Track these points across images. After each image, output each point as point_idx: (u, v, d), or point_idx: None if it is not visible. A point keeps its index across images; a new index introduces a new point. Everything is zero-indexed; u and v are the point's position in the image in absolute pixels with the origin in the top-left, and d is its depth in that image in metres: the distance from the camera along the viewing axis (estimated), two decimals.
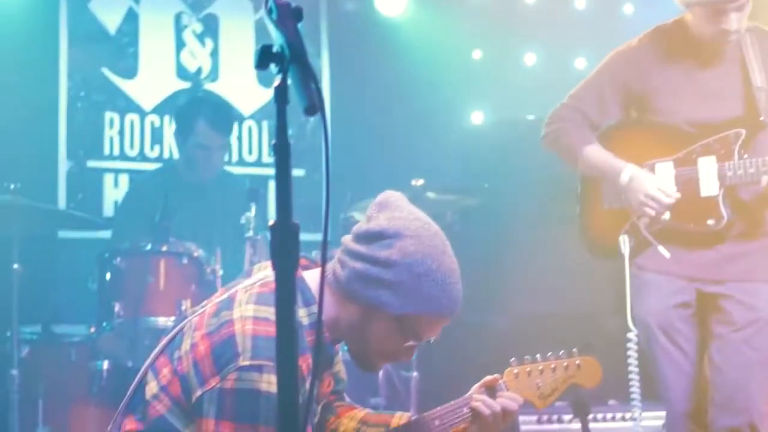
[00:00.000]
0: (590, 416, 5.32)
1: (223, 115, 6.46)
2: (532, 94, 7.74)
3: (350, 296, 3.03)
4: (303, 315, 3.02)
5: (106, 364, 5.73)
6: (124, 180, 7.45)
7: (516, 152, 6.89)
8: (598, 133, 4.84)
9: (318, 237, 7.16)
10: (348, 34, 8.00)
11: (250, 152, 7.79)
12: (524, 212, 6.82)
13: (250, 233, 5.39)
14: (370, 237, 3.02)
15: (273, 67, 2.21)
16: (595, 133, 4.83)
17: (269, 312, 2.97)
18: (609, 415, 5.91)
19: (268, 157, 7.86)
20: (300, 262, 3.16)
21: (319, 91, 2.18)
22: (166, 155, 7.59)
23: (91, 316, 5.74)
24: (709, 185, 4.52)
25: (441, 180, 6.34)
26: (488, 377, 3.41)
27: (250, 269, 3.34)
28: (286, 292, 2.15)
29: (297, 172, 7.89)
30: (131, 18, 7.63)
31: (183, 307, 5.41)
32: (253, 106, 7.80)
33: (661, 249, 4.55)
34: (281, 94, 2.19)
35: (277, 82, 2.18)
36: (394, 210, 3.06)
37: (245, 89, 7.80)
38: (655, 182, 4.55)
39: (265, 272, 3.21)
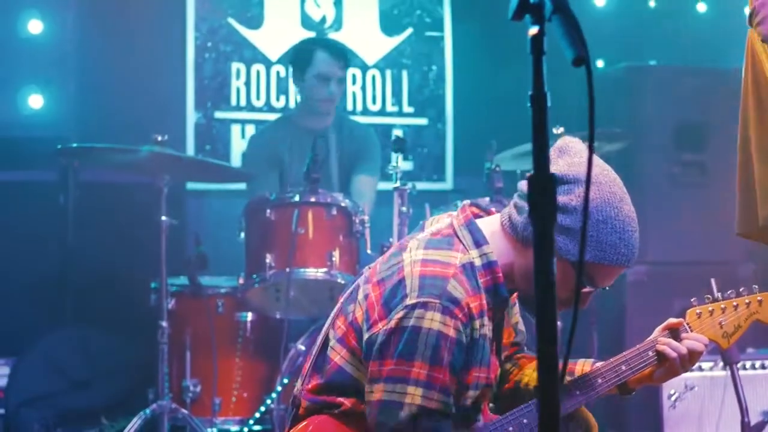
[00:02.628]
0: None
1: (340, 46, 6.45)
2: (654, 40, 7.66)
3: (526, 242, 3.02)
4: (475, 256, 3.01)
5: (250, 316, 5.77)
6: (250, 131, 7.44)
7: (642, 97, 6.80)
8: None
9: (440, 186, 7.14)
10: None
11: (374, 101, 7.74)
12: (656, 159, 6.74)
13: (397, 183, 5.33)
14: None
15: (528, 18, 2.15)
16: None
17: (438, 254, 2.98)
18: (748, 364, 5.87)
19: (391, 106, 7.81)
20: (471, 211, 3.15)
21: (584, 41, 2.13)
22: (291, 105, 7.54)
23: (235, 268, 5.75)
24: None
25: (581, 127, 6.26)
26: (672, 320, 3.37)
27: (422, 224, 3.32)
28: (544, 243, 2.12)
29: (420, 121, 7.87)
30: None
31: (333, 259, 5.39)
32: (376, 55, 7.74)
33: None
34: (538, 44, 2.14)
35: (533, 31, 2.13)
36: (574, 156, 3.02)
37: (369, 38, 7.74)
38: None
39: (437, 225, 3.19)
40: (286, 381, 5.46)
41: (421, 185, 6.54)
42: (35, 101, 6.82)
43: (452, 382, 2.92)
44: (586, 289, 3.08)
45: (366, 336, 2.94)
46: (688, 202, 6.65)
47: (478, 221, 3.10)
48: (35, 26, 6.80)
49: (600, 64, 7.80)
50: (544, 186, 2.14)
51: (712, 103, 6.67)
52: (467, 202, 3.20)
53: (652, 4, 7.97)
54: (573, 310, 2.20)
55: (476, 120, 7.67)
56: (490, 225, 3.10)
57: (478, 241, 3.03)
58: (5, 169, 6.75)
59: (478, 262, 3.00)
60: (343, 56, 6.38)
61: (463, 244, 3.03)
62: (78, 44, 6.99)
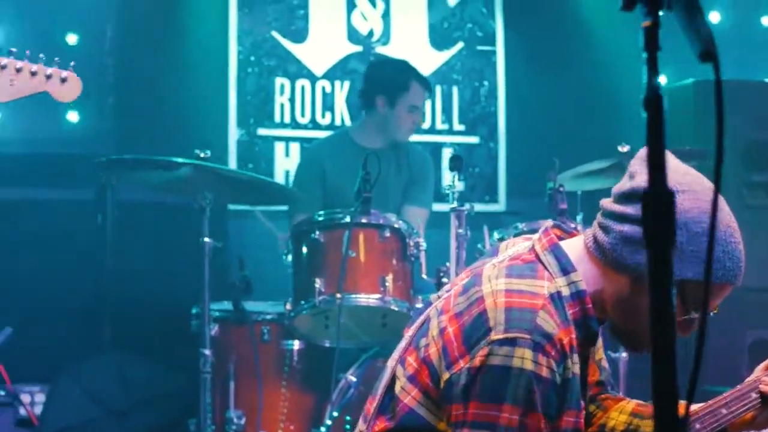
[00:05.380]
0: None
1: (426, 78, 6.34)
2: (721, 54, 7.39)
3: (617, 264, 2.65)
4: (562, 285, 2.67)
5: (297, 344, 5.49)
6: (294, 149, 7.27)
7: (708, 115, 6.51)
8: None
9: (492, 207, 6.86)
10: None
11: (423, 119, 7.48)
12: (724, 179, 6.40)
13: (454, 204, 5.05)
14: (638, 195, 2.61)
15: (640, 8, 1.85)
16: None
17: (523, 284, 2.63)
18: None
19: (441, 124, 7.60)
20: (554, 232, 2.82)
21: (711, 33, 1.83)
22: (338, 122, 7.37)
23: (281, 293, 5.49)
24: None
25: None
26: None
27: (496, 247, 2.98)
28: (661, 264, 1.78)
29: (471, 140, 7.64)
30: None
31: (387, 284, 5.11)
32: (425, 70, 7.38)
33: None
34: (652, 37, 1.83)
35: (647, 23, 1.82)
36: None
37: (418, 52, 7.49)
38: None
39: (514, 249, 2.86)
40: (335, 414, 5.19)
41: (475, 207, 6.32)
42: (72, 116, 6.73)
43: (546, 429, 2.59)
44: (689, 315, 2.71)
45: (446, 376, 2.62)
46: (757, 225, 6.33)
47: (564, 243, 2.78)
48: (72, 38, 6.70)
49: (663, 80, 7.53)
50: (661, 204, 1.81)
51: None
52: (550, 223, 2.88)
53: (717, 17, 7.70)
54: (697, 346, 1.88)
55: (530, 138, 7.46)
56: (575, 248, 2.76)
57: (565, 267, 2.70)
58: (42, 186, 6.66)
59: (565, 292, 2.67)
60: (430, 89, 6.41)
61: (549, 271, 2.69)
62: (116, 57, 6.92)
